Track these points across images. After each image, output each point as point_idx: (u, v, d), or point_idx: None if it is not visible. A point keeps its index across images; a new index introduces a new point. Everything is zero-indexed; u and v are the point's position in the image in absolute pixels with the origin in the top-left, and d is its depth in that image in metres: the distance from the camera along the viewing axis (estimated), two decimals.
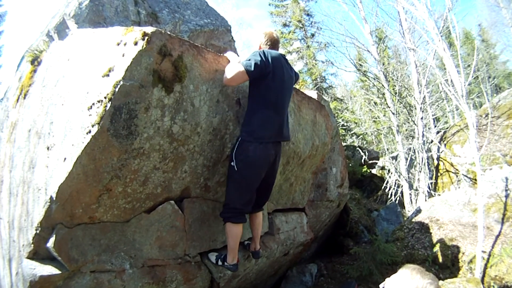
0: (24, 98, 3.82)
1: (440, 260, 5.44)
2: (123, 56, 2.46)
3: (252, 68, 2.93)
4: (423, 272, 1.64)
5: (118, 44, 2.57)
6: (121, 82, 2.35)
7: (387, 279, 1.77)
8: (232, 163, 3.08)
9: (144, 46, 2.42)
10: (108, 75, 2.45)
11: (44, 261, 2.67)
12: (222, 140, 3.20)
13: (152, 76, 2.48)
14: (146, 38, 2.44)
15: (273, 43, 3.42)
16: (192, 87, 2.78)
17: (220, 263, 3.36)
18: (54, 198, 2.48)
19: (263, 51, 3.10)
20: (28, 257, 2.71)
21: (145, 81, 2.45)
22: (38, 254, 2.71)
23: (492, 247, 5.15)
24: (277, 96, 3.16)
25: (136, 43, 2.44)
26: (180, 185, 3.11)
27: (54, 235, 2.56)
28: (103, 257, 2.77)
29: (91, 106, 2.44)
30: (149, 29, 2.49)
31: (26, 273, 2.61)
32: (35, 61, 3.94)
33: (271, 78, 3.09)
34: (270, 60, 3.07)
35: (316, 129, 4.56)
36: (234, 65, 2.97)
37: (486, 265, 4.94)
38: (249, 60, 2.99)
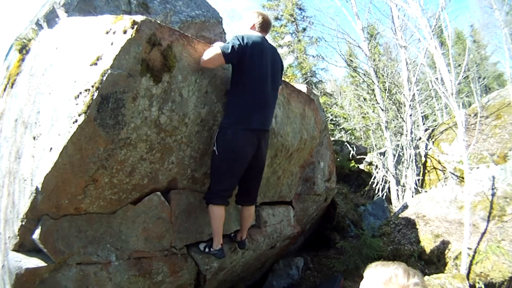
0: (12, 87, 3.77)
1: (426, 255, 5.51)
2: (111, 44, 2.43)
3: (229, 51, 2.89)
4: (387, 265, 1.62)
5: (107, 33, 2.53)
6: (109, 71, 2.32)
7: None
8: (214, 147, 3.10)
9: (133, 34, 2.39)
10: (96, 64, 2.42)
11: (30, 253, 2.63)
12: (210, 132, 3.18)
13: (140, 65, 2.45)
14: (136, 26, 2.41)
15: (265, 25, 3.39)
16: (181, 77, 2.76)
17: (207, 250, 3.37)
18: (40, 189, 2.44)
19: (242, 36, 3.06)
20: (14, 249, 2.67)
21: (133, 70, 2.43)
22: (24, 246, 2.67)
23: (478, 244, 5.23)
24: (256, 81, 3.13)
25: (125, 32, 2.41)
26: (167, 176, 3.09)
27: (40, 227, 2.52)
28: (89, 249, 2.74)
29: (78, 95, 2.40)
30: (139, 18, 2.46)
31: (12, 265, 2.57)
32: (23, 49, 3.87)
33: (249, 62, 3.05)
34: (249, 44, 3.04)
35: (305, 123, 4.56)
36: (212, 48, 2.95)
37: (471, 261, 5.01)
38: (228, 43, 2.97)
